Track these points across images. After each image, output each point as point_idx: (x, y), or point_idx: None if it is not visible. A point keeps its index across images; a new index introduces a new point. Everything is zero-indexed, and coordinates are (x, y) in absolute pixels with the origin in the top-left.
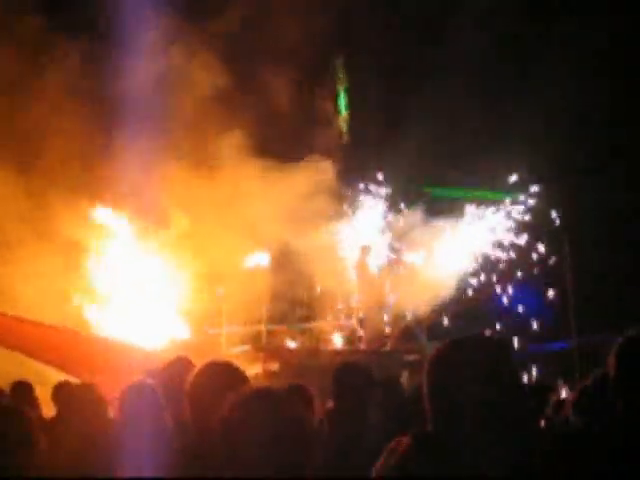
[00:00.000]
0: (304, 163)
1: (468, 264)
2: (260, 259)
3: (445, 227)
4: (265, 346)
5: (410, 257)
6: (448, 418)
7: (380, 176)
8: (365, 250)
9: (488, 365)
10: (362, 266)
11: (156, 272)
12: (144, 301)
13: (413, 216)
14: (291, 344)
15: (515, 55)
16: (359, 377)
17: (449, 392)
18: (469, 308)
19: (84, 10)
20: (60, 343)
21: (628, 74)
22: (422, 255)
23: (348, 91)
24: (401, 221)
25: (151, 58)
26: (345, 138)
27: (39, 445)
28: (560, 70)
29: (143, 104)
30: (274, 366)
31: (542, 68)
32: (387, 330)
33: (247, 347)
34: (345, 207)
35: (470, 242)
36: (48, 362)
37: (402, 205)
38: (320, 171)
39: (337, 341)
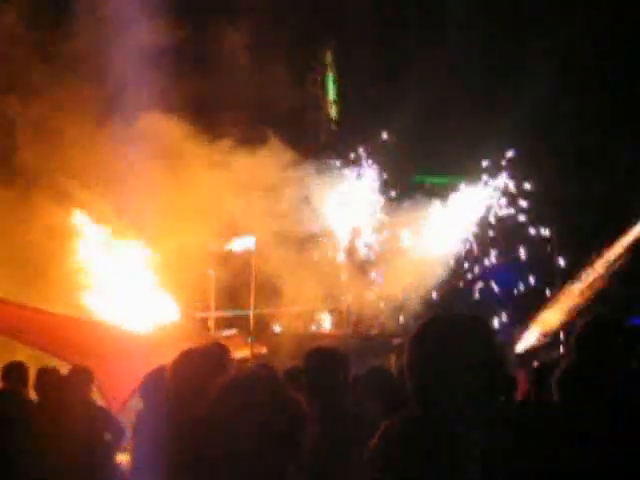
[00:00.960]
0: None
1: (458, 244)
2: (247, 242)
3: (434, 209)
4: (253, 330)
5: (399, 239)
6: (429, 397)
7: (368, 162)
8: (355, 232)
9: (463, 341)
10: (352, 248)
11: (142, 254)
12: (131, 284)
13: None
14: (279, 328)
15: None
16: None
17: (427, 370)
18: (457, 290)
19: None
20: (48, 326)
21: None
22: (411, 236)
23: (337, 76)
24: (391, 205)
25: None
26: (334, 123)
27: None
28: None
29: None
30: (262, 350)
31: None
32: (376, 313)
33: (235, 330)
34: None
35: (459, 221)
36: (35, 345)
37: (392, 193)
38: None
39: (326, 325)
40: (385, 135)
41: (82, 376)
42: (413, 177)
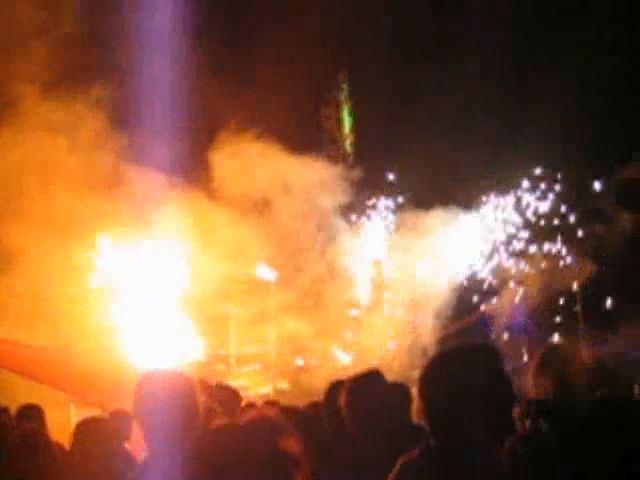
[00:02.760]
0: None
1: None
2: (267, 274)
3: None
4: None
5: (419, 270)
6: (444, 431)
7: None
8: (378, 264)
9: (473, 373)
10: (378, 281)
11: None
12: (156, 321)
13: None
14: (299, 362)
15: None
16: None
17: (441, 403)
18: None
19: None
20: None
21: None
22: (431, 268)
23: (352, 109)
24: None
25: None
26: (350, 156)
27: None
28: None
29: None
30: (283, 385)
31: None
32: (395, 346)
33: (256, 366)
34: (353, 220)
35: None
36: (49, 383)
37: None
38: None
39: (345, 358)
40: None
41: (122, 422)
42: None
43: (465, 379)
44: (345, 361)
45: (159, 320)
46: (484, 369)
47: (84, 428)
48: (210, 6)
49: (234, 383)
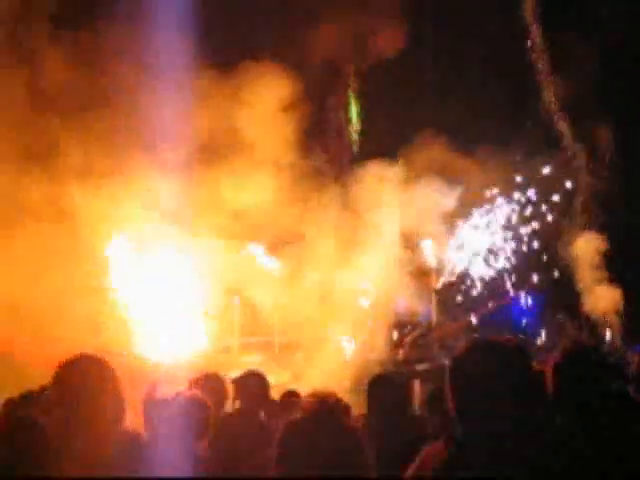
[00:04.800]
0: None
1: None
2: (271, 264)
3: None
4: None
5: (422, 260)
6: (473, 419)
7: None
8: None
9: (506, 367)
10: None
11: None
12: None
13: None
14: (303, 354)
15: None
16: (394, 391)
17: (472, 393)
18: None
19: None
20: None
21: None
22: (434, 258)
23: (359, 100)
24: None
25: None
26: (356, 148)
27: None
28: None
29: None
30: (287, 376)
31: None
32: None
33: (260, 357)
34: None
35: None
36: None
37: None
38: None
39: (348, 350)
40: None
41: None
42: None
43: (495, 372)
44: (349, 351)
45: (163, 310)
46: (514, 362)
47: None
48: None
49: (236, 373)
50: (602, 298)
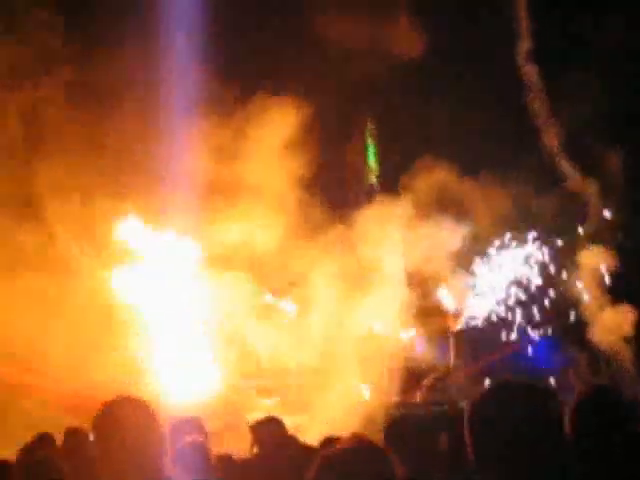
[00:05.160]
0: None
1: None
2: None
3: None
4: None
5: (441, 304)
6: (493, 464)
7: None
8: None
9: (528, 412)
10: None
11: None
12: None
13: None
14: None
15: None
16: (413, 431)
17: (489, 436)
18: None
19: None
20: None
21: None
22: (453, 301)
23: (377, 145)
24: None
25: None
26: (376, 192)
27: None
28: None
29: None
30: (303, 419)
31: None
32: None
33: (277, 399)
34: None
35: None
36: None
37: None
38: None
39: (365, 392)
40: None
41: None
42: None
43: (513, 418)
44: (366, 396)
45: (180, 350)
46: (532, 408)
47: None
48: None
49: (252, 415)
50: (609, 327)
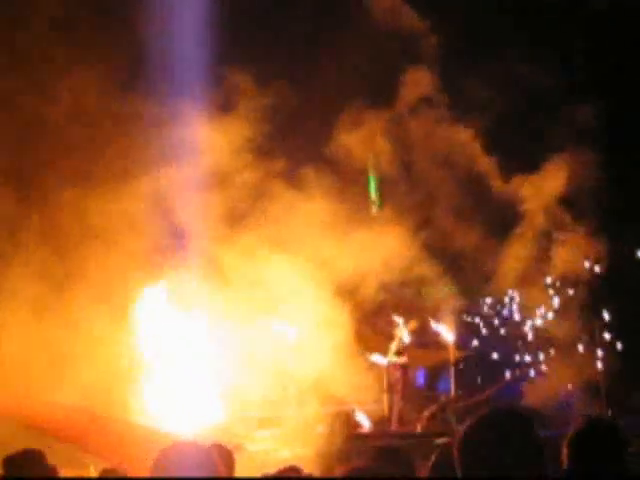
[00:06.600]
0: None
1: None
2: (287, 333)
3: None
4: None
5: (441, 335)
6: None
7: None
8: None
9: (513, 441)
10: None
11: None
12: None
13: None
14: (320, 428)
15: None
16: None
17: (477, 464)
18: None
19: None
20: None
21: None
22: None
23: (381, 184)
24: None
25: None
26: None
27: None
28: None
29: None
30: (303, 451)
31: None
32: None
33: (277, 430)
34: None
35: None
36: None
37: None
38: None
39: (365, 424)
40: None
41: None
42: None
43: (499, 447)
44: (366, 427)
45: (181, 382)
46: (517, 436)
47: None
48: None
49: (253, 446)
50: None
